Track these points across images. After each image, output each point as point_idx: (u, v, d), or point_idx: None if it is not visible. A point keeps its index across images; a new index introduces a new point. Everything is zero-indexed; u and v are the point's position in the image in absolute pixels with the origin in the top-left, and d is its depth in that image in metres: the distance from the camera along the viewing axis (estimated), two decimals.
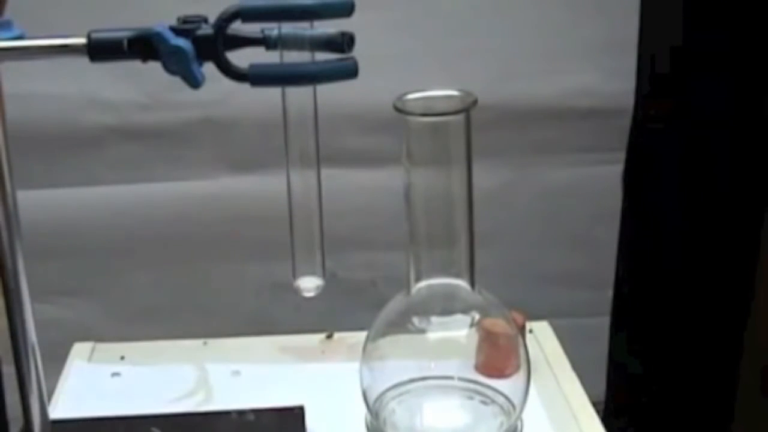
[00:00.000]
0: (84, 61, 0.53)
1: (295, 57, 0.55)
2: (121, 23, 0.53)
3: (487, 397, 0.63)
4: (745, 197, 1.28)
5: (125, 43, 0.52)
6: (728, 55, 1.22)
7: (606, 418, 0.76)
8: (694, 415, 1.36)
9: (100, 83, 1.15)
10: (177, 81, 0.52)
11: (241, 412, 0.73)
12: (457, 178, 0.58)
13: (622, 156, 1.26)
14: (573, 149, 1.25)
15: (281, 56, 0.55)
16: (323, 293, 0.64)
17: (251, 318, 1.21)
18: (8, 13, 0.53)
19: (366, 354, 0.62)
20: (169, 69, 0.52)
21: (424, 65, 1.14)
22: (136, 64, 0.53)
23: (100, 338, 0.88)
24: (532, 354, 0.64)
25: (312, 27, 0.55)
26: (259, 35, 0.55)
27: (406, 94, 0.57)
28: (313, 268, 0.63)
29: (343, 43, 0.54)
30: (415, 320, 0.61)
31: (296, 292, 0.64)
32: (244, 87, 0.53)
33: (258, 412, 0.73)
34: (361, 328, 0.65)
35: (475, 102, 0.57)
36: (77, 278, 1.24)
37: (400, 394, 0.63)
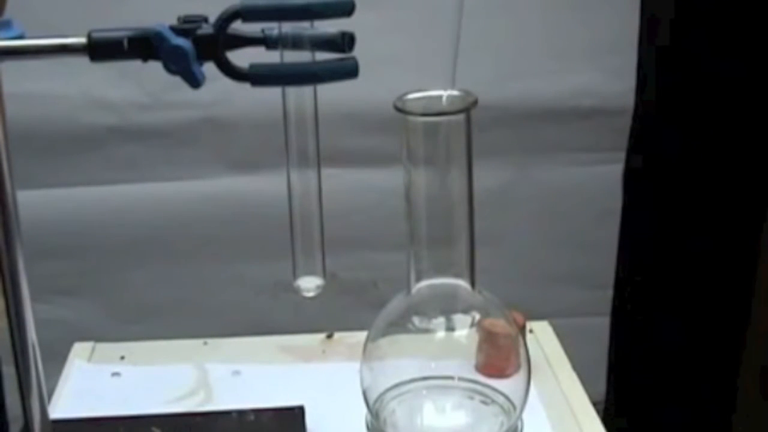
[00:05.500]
0: (84, 61, 0.53)
1: (295, 57, 0.55)
2: (121, 23, 0.53)
3: (488, 397, 0.63)
4: (745, 197, 1.28)
5: (125, 43, 0.52)
6: (728, 55, 1.22)
7: (606, 418, 0.76)
8: (694, 415, 1.36)
9: (100, 83, 1.15)
10: (177, 81, 0.52)
11: (241, 412, 0.73)
12: (457, 178, 0.58)
13: (622, 156, 1.26)
14: (573, 149, 1.25)
15: (281, 56, 0.55)
16: (323, 293, 0.64)
17: (251, 318, 1.21)
18: (8, 13, 0.53)
19: (366, 354, 0.62)
20: (169, 69, 0.52)
21: (424, 65, 1.15)
22: (136, 64, 0.53)
23: (100, 338, 0.88)
24: (532, 354, 0.64)
25: (312, 27, 0.55)
26: (260, 35, 0.55)
27: (406, 94, 0.57)
28: (313, 268, 0.63)
29: (344, 43, 0.54)
30: (416, 320, 0.61)
31: (296, 292, 0.64)
32: (245, 87, 0.53)
33: (258, 412, 0.73)
34: (362, 328, 0.65)
35: (475, 102, 0.57)
36: (77, 278, 1.24)
37: (401, 394, 0.62)
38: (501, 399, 0.63)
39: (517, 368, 0.62)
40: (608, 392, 1.35)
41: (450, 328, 0.62)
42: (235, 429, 0.71)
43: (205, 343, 0.87)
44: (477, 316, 0.62)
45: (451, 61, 1.16)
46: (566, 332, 0.87)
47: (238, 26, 0.52)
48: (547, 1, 1.17)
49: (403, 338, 0.62)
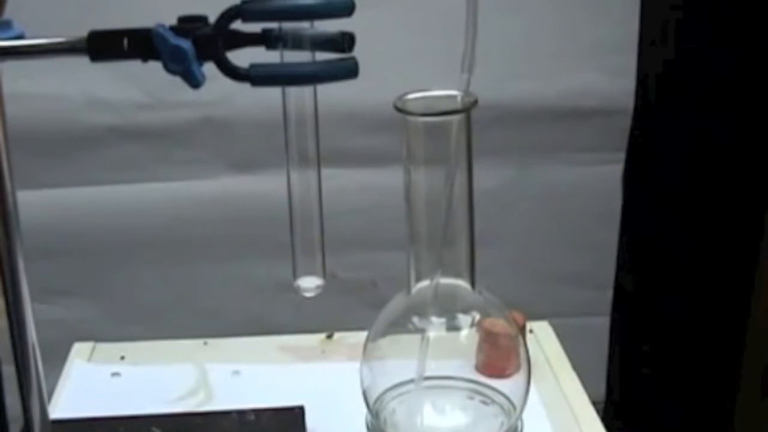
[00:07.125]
0: (84, 61, 0.53)
1: (295, 57, 0.55)
2: (121, 23, 0.53)
3: (488, 397, 0.63)
4: (745, 197, 1.28)
5: (125, 43, 0.52)
6: (728, 55, 1.22)
7: (606, 418, 0.76)
8: (694, 415, 1.36)
9: (100, 83, 1.15)
10: (177, 81, 0.52)
11: (241, 412, 0.73)
12: (457, 178, 0.58)
13: (622, 156, 1.26)
14: (573, 149, 1.25)
15: (282, 56, 0.55)
16: (323, 293, 0.64)
17: (251, 318, 1.21)
18: (8, 13, 0.53)
19: (366, 354, 0.62)
20: (169, 69, 0.52)
21: (424, 65, 1.14)
22: (136, 64, 0.53)
23: (100, 338, 0.88)
24: (532, 354, 0.64)
25: (312, 27, 0.55)
26: (260, 35, 0.55)
27: (406, 94, 0.57)
28: (313, 268, 0.63)
29: (344, 42, 0.54)
30: (415, 320, 0.61)
31: (296, 292, 0.64)
32: (245, 87, 0.53)
33: (258, 412, 0.73)
34: (361, 328, 0.65)
35: (475, 102, 0.57)
36: (77, 278, 1.24)
37: (400, 394, 0.63)
38: (501, 399, 0.63)
39: (517, 368, 0.62)
40: (608, 392, 1.35)
41: (450, 328, 0.62)
42: (235, 429, 0.71)
43: (205, 343, 0.87)
44: (477, 316, 0.62)
45: (451, 61, 1.16)
46: (566, 332, 0.87)
47: (238, 26, 0.52)
48: (547, 1, 1.17)
49: (403, 338, 0.62)
